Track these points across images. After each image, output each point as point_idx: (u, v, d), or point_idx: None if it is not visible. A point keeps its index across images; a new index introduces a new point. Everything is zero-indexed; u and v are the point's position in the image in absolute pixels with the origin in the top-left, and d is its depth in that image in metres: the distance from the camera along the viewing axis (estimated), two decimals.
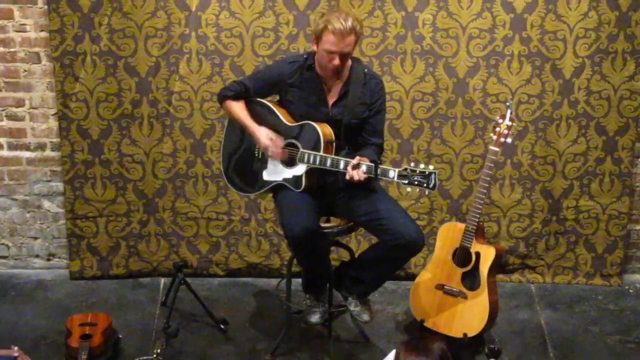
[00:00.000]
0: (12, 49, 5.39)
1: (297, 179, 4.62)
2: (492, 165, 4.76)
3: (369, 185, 4.63)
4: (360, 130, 4.64)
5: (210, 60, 5.38)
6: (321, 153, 4.52)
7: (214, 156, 5.50)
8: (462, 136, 5.53)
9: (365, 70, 4.63)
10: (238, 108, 4.70)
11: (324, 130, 4.55)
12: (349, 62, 4.57)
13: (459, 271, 4.89)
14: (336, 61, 4.44)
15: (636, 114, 5.51)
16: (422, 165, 4.32)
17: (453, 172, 5.59)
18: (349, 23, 4.36)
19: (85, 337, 4.81)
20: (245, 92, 4.69)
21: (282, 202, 4.64)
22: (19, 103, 5.50)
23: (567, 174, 5.62)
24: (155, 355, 4.65)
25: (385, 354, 3.56)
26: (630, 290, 5.77)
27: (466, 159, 5.57)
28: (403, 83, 5.43)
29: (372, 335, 5.14)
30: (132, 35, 5.31)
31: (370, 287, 4.84)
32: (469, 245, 4.84)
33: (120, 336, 5.03)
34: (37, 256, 5.81)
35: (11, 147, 5.59)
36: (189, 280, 5.27)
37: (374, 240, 4.87)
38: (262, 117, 4.69)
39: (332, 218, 4.80)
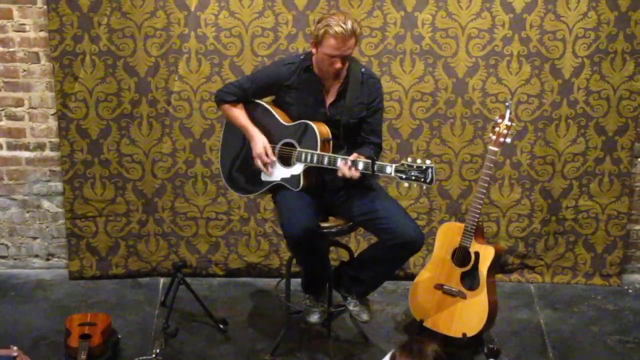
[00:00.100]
0: (11, 49, 5.39)
1: (295, 179, 4.62)
2: (492, 165, 4.76)
3: (368, 185, 4.63)
4: (358, 130, 4.64)
5: (209, 60, 5.38)
6: (318, 152, 4.52)
7: (213, 156, 5.50)
8: (462, 136, 5.53)
9: (363, 69, 4.63)
10: (237, 112, 4.70)
11: (320, 129, 4.55)
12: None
13: (458, 271, 4.89)
14: (338, 64, 4.44)
15: (635, 114, 5.51)
16: (419, 161, 4.32)
17: (452, 172, 5.59)
18: (349, 26, 4.36)
19: (84, 337, 4.80)
20: (242, 93, 4.69)
21: (281, 202, 4.64)
22: (18, 103, 5.50)
23: (567, 174, 5.62)
24: (154, 355, 4.65)
25: (385, 354, 3.56)
26: (630, 290, 5.77)
27: (465, 159, 5.57)
28: (402, 83, 5.43)
29: (371, 335, 5.15)
30: (131, 35, 5.31)
31: (369, 287, 4.84)
32: (468, 245, 4.84)
33: (120, 336, 5.03)
34: (36, 256, 5.81)
35: (10, 147, 5.59)
36: (188, 280, 5.27)
37: (374, 240, 4.87)
38: (258, 117, 4.69)
39: (330, 218, 4.80)
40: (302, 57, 4.64)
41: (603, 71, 5.41)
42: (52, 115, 5.51)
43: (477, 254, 4.84)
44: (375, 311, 5.17)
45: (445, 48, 5.38)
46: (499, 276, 5.52)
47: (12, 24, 5.35)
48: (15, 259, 5.81)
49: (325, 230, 4.68)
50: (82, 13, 5.25)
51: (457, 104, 5.48)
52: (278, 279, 5.26)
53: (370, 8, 5.29)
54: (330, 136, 4.57)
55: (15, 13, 5.33)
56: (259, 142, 4.63)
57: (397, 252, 4.57)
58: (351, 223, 4.72)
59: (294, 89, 4.62)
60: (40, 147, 5.59)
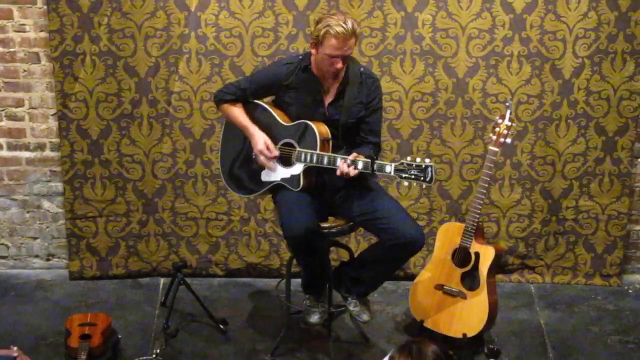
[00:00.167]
0: (11, 49, 5.39)
1: (295, 179, 4.62)
2: (492, 165, 4.76)
3: (368, 185, 4.63)
4: (357, 129, 4.64)
5: (209, 60, 5.38)
6: (318, 151, 4.52)
7: (213, 156, 5.50)
8: (462, 136, 5.53)
9: (361, 69, 4.64)
10: (236, 112, 4.71)
11: (319, 128, 4.56)
12: None
13: (459, 271, 4.89)
14: (339, 64, 4.44)
15: (636, 114, 5.51)
16: (418, 159, 4.32)
17: (452, 173, 5.59)
18: (350, 25, 4.37)
19: (84, 337, 4.80)
20: (241, 94, 4.69)
21: (281, 202, 4.64)
22: (19, 103, 5.50)
23: (567, 174, 5.62)
24: (154, 356, 4.65)
25: (385, 354, 3.55)
26: (630, 291, 5.77)
27: (466, 159, 5.57)
28: (402, 83, 5.43)
29: (371, 336, 5.15)
30: (131, 36, 5.31)
31: (369, 287, 4.84)
32: (468, 246, 4.84)
33: (120, 336, 5.03)
34: (36, 256, 5.81)
35: (11, 147, 5.59)
36: (188, 280, 5.28)
37: (374, 240, 4.87)
38: (258, 117, 4.69)
39: (330, 217, 4.80)
40: (300, 57, 4.65)
41: (603, 71, 5.41)
42: (52, 115, 5.51)
43: (477, 254, 4.84)
44: (375, 311, 5.17)
45: (446, 48, 5.38)
46: (499, 276, 5.52)
47: (13, 24, 5.35)
48: (15, 259, 5.81)
49: (325, 231, 4.68)
50: (83, 13, 5.25)
51: (458, 104, 5.48)
52: (278, 279, 5.26)
53: (370, 8, 5.29)
54: (330, 136, 4.57)
55: (16, 13, 5.33)
56: (260, 139, 4.63)
57: (397, 252, 4.57)
58: (351, 223, 4.72)
59: (293, 89, 4.62)
60: (41, 147, 5.59)
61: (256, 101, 4.72)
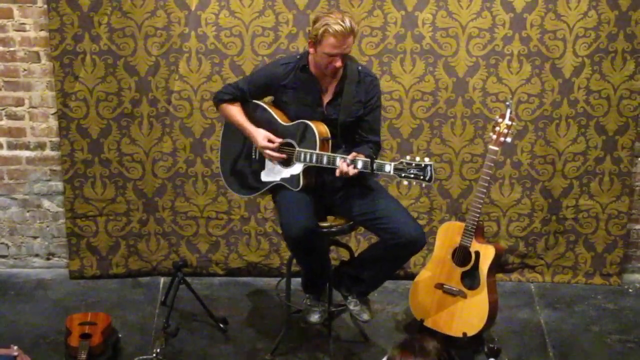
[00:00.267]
0: (11, 48, 5.39)
1: (294, 178, 4.62)
2: (492, 164, 4.76)
3: (368, 184, 4.63)
4: (356, 128, 4.64)
5: (209, 59, 5.38)
6: (317, 151, 4.52)
7: (213, 155, 5.50)
8: (462, 135, 5.53)
9: (359, 67, 4.63)
10: (234, 111, 4.71)
11: (319, 128, 4.55)
12: None
13: (459, 270, 4.89)
14: (338, 63, 4.44)
15: (636, 114, 5.51)
16: (417, 158, 4.32)
17: (453, 172, 5.60)
18: (348, 24, 4.36)
19: (84, 336, 4.81)
20: (240, 94, 4.69)
21: (281, 202, 4.64)
22: (19, 102, 5.50)
23: (567, 174, 5.62)
24: (154, 355, 4.64)
25: (386, 353, 3.55)
26: (630, 290, 5.77)
27: (466, 158, 5.57)
28: (403, 82, 5.43)
29: (371, 335, 5.15)
30: (131, 35, 5.31)
31: (370, 287, 4.84)
32: (468, 245, 4.84)
33: (120, 335, 5.03)
34: (36, 255, 5.81)
35: (11, 146, 5.59)
36: (188, 279, 5.28)
37: (374, 239, 4.87)
38: (257, 118, 4.69)
39: (329, 217, 4.79)
40: (298, 56, 4.65)
41: (603, 70, 5.41)
42: (52, 114, 5.51)
43: (477, 254, 4.84)
44: (375, 311, 5.17)
45: (446, 47, 5.38)
46: (499, 276, 5.53)
47: (13, 23, 5.35)
48: (15, 259, 5.81)
49: (325, 230, 4.68)
50: (83, 12, 5.25)
51: (458, 104, 5.48)
52: (278, 279, 5.26)
53: (370, 7, 5.29)
54: (329, 135, 4.57)
55: (16, 12, 5.33)
56: (259, 136, 4.63)
57: (398, 251, 4.57)
58: (352, 222, 4.72)
59: (291, 88, 4.62)
60: (41, 146, 5.59)
61: (255, 101, 4.72)
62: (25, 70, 5.44)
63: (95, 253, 5.70)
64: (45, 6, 5.26)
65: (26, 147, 5.59)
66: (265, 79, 4.67)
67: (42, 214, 5.73)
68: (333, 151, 4.56)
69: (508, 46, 5.37)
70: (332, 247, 5.04)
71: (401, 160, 4.33)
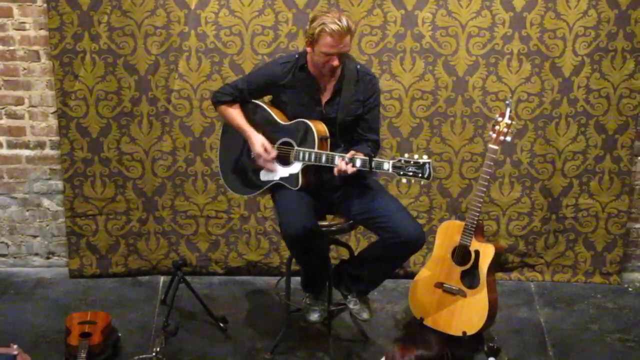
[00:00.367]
0: (11, 47, 5.39)
1: (293, 177, 4.62)
2: (492, 163, 4.76)
3: (367, 183, 4.63)
4: (355, 127, 4.64)
5: (209, 58, 5.38)
6: (316, 150, 4.52)
7: (213, 154, 5.50)
8: (462, 134, 5.53)
9: (358, 67, 4.63)
10: (234, 113, 4.70)
11: (317, 127, 4.55)
12: None
13: (458, 269, 4.89)
14: (335, 62, 4.44)
15: (635, 112, 5.51)
16: (416, 156, 4.31)
17: (452, 171, 5.59)
18: (344, 23, 4.36)
19: (84, 335, 4.81)
20: (239, 94, 4.69)
21: (280, 201, 4.64)
22: (19, 101, 5.50)
23: (567, 172, 5.62)
24: (154, 354, 4.64)
25: (384, 353, 3.56)
26: (630, 289, 5.77)
27: (466, 157, 5.57)
28: (402, 81, 5.43)
29: (371, 334, 5.15)
30: (131, 34, 5.31)
31: (369, 285, 4.84)
32: (468, 244, 4.84)
33: (120, 334, 5.03)
34: (36, 254, 5.81)
35: (10, 145, 5.59)
36: (188, 278, 5.28)
37: (374, 238, 4.87)
38: (256, 117, 4.69)
39: (328, 215, 4.79)
40: (297, 56, 4.64)
41: (603, 69, 5.41)
42: (52, 113, 5.51)
43: (477, 253, 4.84)
44: (375, 309, 5.17)
45: (446, 46, 5.38)
46: (499, 275, 5.53)
47: (12, 22, 5.35)
48: (15, 258, 5.81)
49: (324, 229, 4.68)
50: (82, 11, 5.25)
51: (457, 103, 5.48)
52: (278, 278, 5.26)
53: (370, 6, 5.29)
54: (328, 134, 4.57)
55: (16, 11, 5.33)
56: (257, 142, 4.63)
57: (397, 250, 4.57)
58: (351, 221, 4.72)
59: (290, 88, 4.61)
60: (41, 145, 5.59)
61: (254, 101, 4.72)
62: (25, 69, 5.44)
63: (95, 252, 5.70)
64: (45, 5, 5.26)
65: (26, 146, 5.59)
66: (264, 78, 4.67)
67: (42, 213, 5.73)
68: (332, 150, 4.56)
69: (508, 45, 5.37)
70: (332, 246, 5.03)
71: (399, 158, 4.32)
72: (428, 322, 4.98)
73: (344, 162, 4.40)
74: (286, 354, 4.99)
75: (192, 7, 5.29)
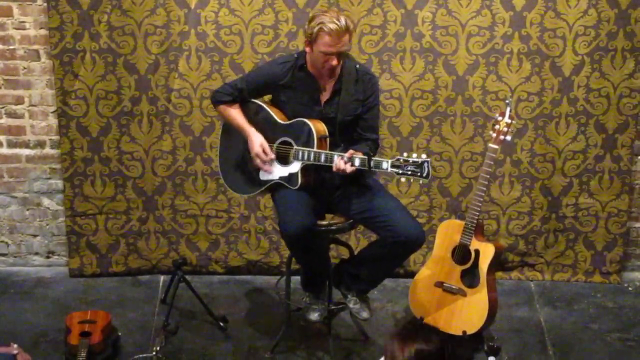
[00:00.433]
0: (11, 47, 5.39)
1: (292, 177, 4.62)
2: (492, 162, 4.76)
3: (366, 182, 4.63)
4: (354, 126, 4.64)
5: (209, 57, 5.38)
6: (315, 149, 4.52)
7: (213, 153, 5.50)
8: (462, 134, 5.53)
9: (357, 66, 4.63)
10: (234, 113, 4.70)
11: (316, 126, 4.55)
12: None
13: (458, 269, 4.89)
14: (334, 61, 4.44)
15: (635, 112, 5.51)
16: (414, 155, 4.31)
17: (452, 170, 5.59)
18: (342, 22, 4.36)
19: (84, 334, 4.80)
20: (238, 93, 4.69)
21: (279, 200, 4.64)
22: (19, 100, 5.50)
23: (567, 172, 5.62)
24: (154, 353, 4.64)
25: (383, 353, 3.55)
26: (630, 288, 5.77)
27: (465, 156, 5.57)
28: (402, 81, 5.43)
29: (371, 333, 5.15)
30: (131, 33, 5.31)
31: (369, 285, 4.84)
32: (468, 243, 4.84)
33: (120, 334, 5.03)
34: (36, 254, 5.81)
35: (10, 144, 5.59)
36: (188, 277, 5.27)
37: (374, 237, 4.87)
38: (255, 116, 4.69)
39: (328, 215, 4.79)
40: (296, 55, 4.64)
41: (603, 69, 5.41)
42: (52, 112, 5.51)
43: (477, 252, 4.84)
44: (375, 309, 5.17)
45: (446, 46, 5.38)
46: (499, 274, 5.53)
47: (12, 21, 5.35)
48: (15, 257, 5.81)
49: (324, 228, 4.68)
50: (82, 11, 5.25)
51: (458, 102, 5.48)
52: (278, 277, 5.26)
53: (370, 6, 5.29)
54: (327, 134, 4.57)
55: (16, 11, 5.33)
56: (256, 142, 4.63)
57: (397, 249, 4.57)
58: (351, 220, 4.72)
59: (289, 87, 4.61)
60: (41, 144, 5.59)
61: (254, 100, 4.72)
62: (25, 68, 5.44)
63: (95, 251, 5.70)
64: (45, 4, 5.26)
65: (26, 145, 5.59)
66: (263, 78, 4.67)
67: (42, 212, 5.73)
68: (331, 149, 4.56)
69: (508, 44, 5.37)
70: (332, 246, 5.03)
71: (398, 157, 4.32)
72: (428, 322, 4.97)
73: (343, 162, 4.40)
74: (286, 353, 4.99)
75: (192, 6, 5.29)
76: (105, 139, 5.50)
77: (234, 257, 5.74)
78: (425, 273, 5.00)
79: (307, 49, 4.49)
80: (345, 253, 5.07)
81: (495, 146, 4.74)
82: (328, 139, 4.57)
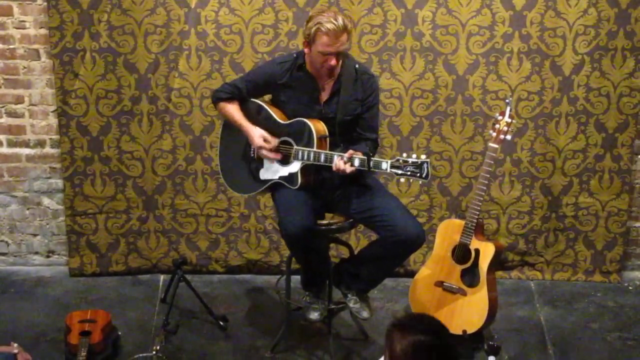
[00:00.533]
0: (11, 46, 5.39)
1: (292, 177, 4.62)
2: (492, 162, 4.76)
3: (366, 182, 4.63)
4: (354, 126, 4.64)
5: (209, 57, 5.38)
6: (315, 149, 4.52)
7: (213, 153, 5.50)
8: (462, 133, 5.53)
9: (357, 65, 4.63)
10: (232, 109, 4.71)
11: (316, 126, 4.55)
12: None
13: (458, 268, 4.89)
14: (333, 61, 4.44)
15: (635, 111, 5.51)
16: (414, 155, 4.31)
17: (452, 169, 5.59)
18: (340, 22, 4.36)
19: (84, 334, 4.81)
20: (238, 92, 4.69)
21: (279, 200, 4.64)
22: (19, 100, 5.50)
23: (567, 171, 5.62)
24: (154, 352, 4.64)
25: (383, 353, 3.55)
26: (630, 287, 5.77)
27: (466, 156, 5.57)
28: (402, 80, 5.43)
29: (371, 332, 5.15)
30: (131, 32, 5.31)
31: (369, 284, 4.84)
32: (468, 242, 4.84)
33: (120, 333, 5.03)
34: (36, 253, 5.81)
35: (11, 144, 5.59)
36: (188, 277, 5.27)
37: (374, 237, 4.87)
38: (255, 116, 4.69)
39: (328, 214, 4.79)
40: (295, 55, 4.64)
41: (603, 68, 5.41)
42: (52, 112, 5.51)
43: (477, 251, 4.84)
44: (375, 308, 5.17)
45: (446, 45, 5.38)
46: (499, 273, 5.53)
47: (12, 20, 5.35)
48: (15, 256, 5.81)
49: (324, 228, 4.68)
50: (82, 10, 5.25)
51: (458, 101, 5.48)
52: (278, 276, 5.26)
53: (370, 5, 5.29)
54: (327, 133, 4.57)
55: (16, 10, 5.33)
56: (256, 135, 4.63)
57: (397, 249, 4.57)
58: (351, 220, 4.72)
59: (288, 87, 4.62)
60: (41, 144, 5.59)
61: (253, 100, 4.72)
62: (25, 67, 5.44)
63: (95, 250, 5.70)
64: (45, 4, 5.26)
65: (26, 144, 5.59)
66: (263, 77, 4.67)
67: (42, 212, 5.73)
68: (331, 149, 4.56)
69: (508, 44, 5.37)
70: (332, 245, 5.03)
71: (398, 157, 4.32)
72: None
73: (342, 162, 4.40)
74: (286, 352, 4.99)
75: (192, 5, 5.29)
76: (105, 139, 5.50)
77: (234, 257, 5.74)
78: (425, 272, 5.01)
79: (306, 50, 4.49)
80: (345, 252, 5.07)
81: (495, 145, 4.74)
82: (328, 139, 4.57)
